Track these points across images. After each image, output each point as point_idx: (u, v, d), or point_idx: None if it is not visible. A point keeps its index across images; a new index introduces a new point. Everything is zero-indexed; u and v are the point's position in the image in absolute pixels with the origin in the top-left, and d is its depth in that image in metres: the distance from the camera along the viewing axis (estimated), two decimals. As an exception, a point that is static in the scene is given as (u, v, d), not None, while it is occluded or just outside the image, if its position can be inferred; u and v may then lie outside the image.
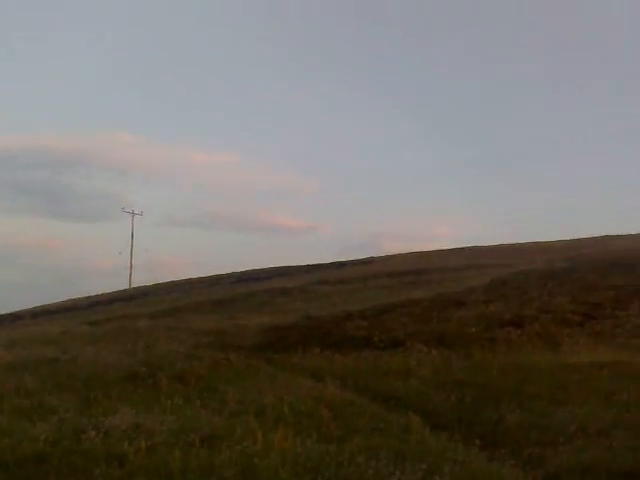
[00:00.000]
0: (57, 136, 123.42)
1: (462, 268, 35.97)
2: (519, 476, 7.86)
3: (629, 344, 17.12)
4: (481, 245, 52.65)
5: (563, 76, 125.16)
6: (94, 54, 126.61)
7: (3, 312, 44.45)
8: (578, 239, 48.68)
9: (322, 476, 7.16)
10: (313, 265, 50.60)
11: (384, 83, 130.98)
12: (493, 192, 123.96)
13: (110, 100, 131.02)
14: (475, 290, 26.29)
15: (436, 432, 9.39)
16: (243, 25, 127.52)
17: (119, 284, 60.91)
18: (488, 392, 11.88)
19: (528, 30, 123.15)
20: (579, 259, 34.15)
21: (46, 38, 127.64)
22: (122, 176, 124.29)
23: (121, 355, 15.78)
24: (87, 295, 49.99)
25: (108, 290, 52.87)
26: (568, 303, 22.34)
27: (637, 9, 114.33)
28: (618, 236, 47.45)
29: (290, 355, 16.82)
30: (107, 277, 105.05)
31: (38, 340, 20.12)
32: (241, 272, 51.66)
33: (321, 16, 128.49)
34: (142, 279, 70.59)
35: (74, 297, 50.16)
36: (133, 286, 59.75)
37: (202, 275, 53.66)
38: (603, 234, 49.17)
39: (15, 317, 41.11)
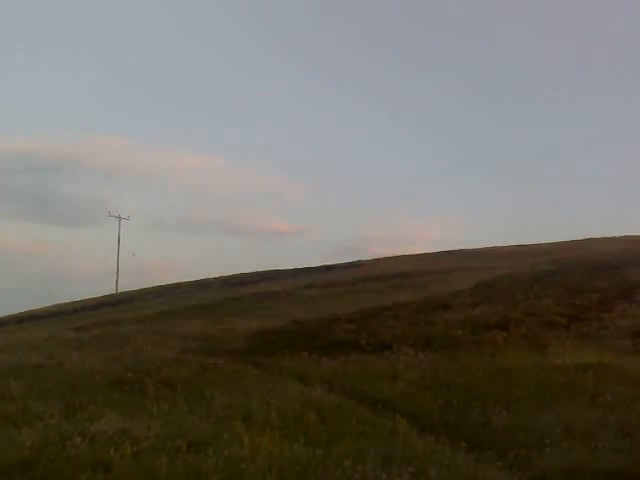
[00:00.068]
0: (42, 140, 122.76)
1: (449, 271, 36.09)
2: (505, 478, 7.91)
3: (614, 346, 17.26)
4: (467, 248, 52.88)
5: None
6: (80, 58, 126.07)
7: (-12, 318, 44.05)
8: (563, 242, 49.04)
9: (309, 480, 7.16)
10: (300, 269, 50.55)
11: (371, 86, 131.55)
12: (479, 196, 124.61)
13: (96, 104, 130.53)
14: (461, 293, 26.43)
15: (423, 435, 9.44)
16: (228, 28, 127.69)
17: (105, 289, 60.39)
18: (475, 394, 11.92)
19: (523, 29, 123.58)
20: (564, 262, 34.43)
21: (30, 41, 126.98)
22: (108, 180, 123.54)
23: (107, 360, 15.71)
24: (73, 300, 49.67)
25: (94, 295, 52.51)
26: (554, 305, 22.52)
27: (637, 9, 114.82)
28: (602, 239, 47.89)
29: (277, 359, 16.81)
30: (93, 282, 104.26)
31: (24, 346, 19.98)
32: (228, 276, 51.49)
33: (309, 19, 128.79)
34: (129, 284, 70.27)
35: (60, 302, 49.85)
36: (120, 291, 59.37)
37: (189, 279, 53.53)
38: (588, 237, 49.71)
39: (0, 323, 40.75)
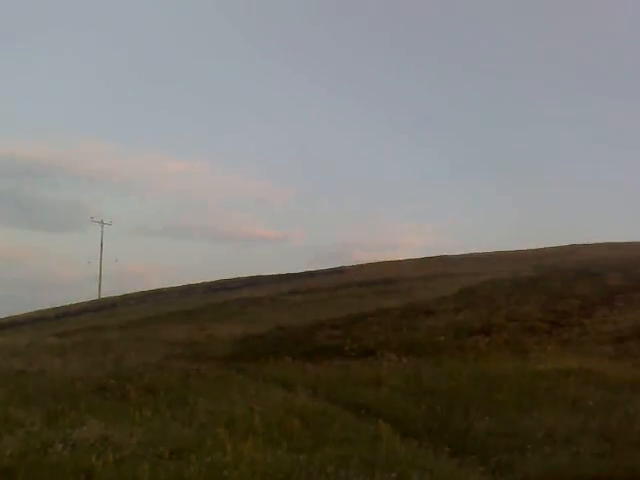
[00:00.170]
0: (24, 144, 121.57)
1: (432, 277, 36.27)
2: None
3: (595, 351, 17.44)
4: (450, 254, 53.15)
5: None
6: (64, 62, 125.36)
7: (-32, 324, 43.56)
8: (545, 248, 49.47)
9: (292, 486, 7.16)
10: (284, 275, 50.56)
11: (359, 90, 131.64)
12: (462, 202, 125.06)
13: (79, 108, 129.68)
14: (445, 299, 26.58)
15: (406, 440, 9.45)
16: (214, 31, 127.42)
17: (88, 295, 60.05)
18: (457, 400, 11.98)
19: (522, 32, 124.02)
20: (546, 268, 34.75)
21: (13, 45, 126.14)
22: (91, 185, 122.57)
23: (90, 367, 15.60)
24: (55, 306, 49.34)
25: (77, 301, 52.27)
26: (536, 311, 22.71)
27: (637, 9, 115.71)
28: (584, 245, 48.40)
29: (261, 365, 16.78)
30: (76, 288, 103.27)
31: (5, 352, 19.78)
32: (212, 282, 51.38)
33: (300, 20, 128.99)
34: (112, 289, 69.59)
35: (42, 308, 49.48)
36: (102, 297, 59.04)
37: (173, 285, 53.34)
38: (570, 243, 50.17)
39: (-19, 329, 40.32)
